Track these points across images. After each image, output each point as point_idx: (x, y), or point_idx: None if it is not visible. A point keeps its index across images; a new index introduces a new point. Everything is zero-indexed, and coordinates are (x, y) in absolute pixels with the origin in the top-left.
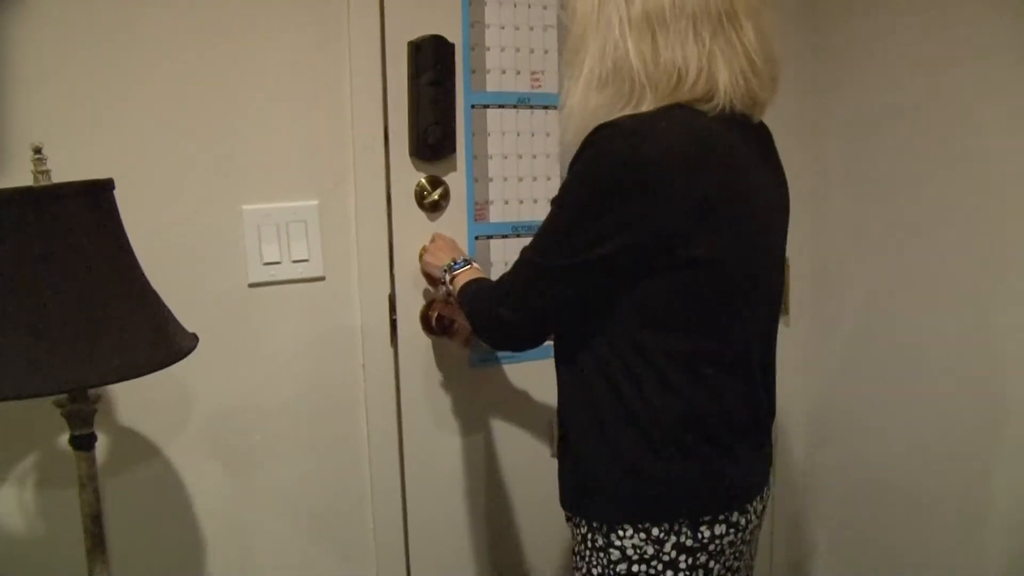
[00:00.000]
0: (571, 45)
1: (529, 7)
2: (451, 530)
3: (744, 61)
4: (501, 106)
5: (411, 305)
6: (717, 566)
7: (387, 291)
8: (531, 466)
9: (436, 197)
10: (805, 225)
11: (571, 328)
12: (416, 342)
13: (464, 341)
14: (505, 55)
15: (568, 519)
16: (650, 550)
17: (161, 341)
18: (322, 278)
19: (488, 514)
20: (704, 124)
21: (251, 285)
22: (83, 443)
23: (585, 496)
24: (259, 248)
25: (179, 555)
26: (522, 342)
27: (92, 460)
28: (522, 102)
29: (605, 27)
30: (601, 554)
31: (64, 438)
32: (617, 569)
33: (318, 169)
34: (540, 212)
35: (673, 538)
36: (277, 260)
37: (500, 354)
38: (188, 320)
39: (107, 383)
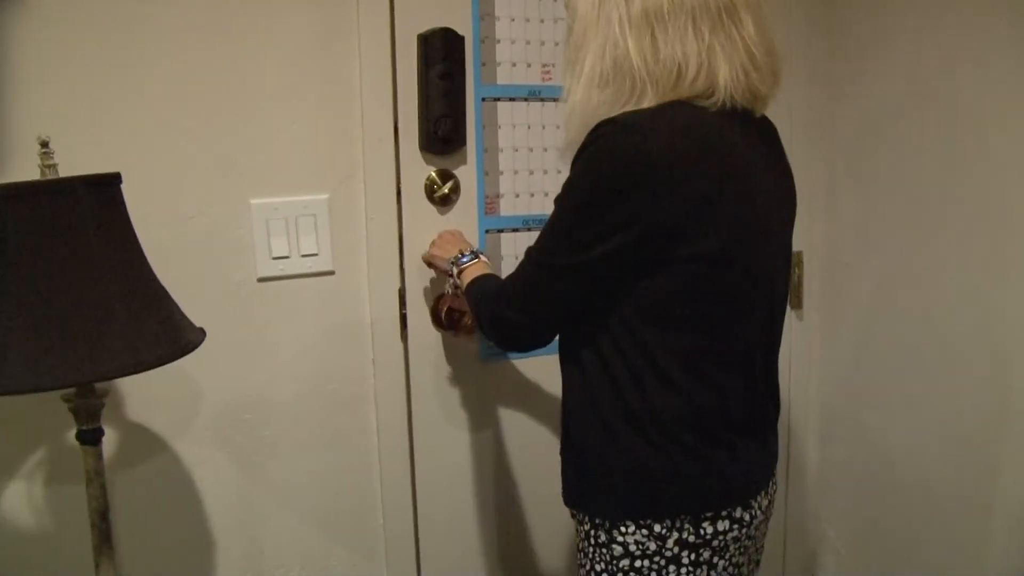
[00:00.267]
0: (572, 43)
1: None
2: (461, 524)
3: (744, 56)
4: (511, 99)
5: (421, 299)
6: (721, 562)
7: (397, 285)
8: (541, 460)
9: (446, 191)
10: (820, 220)
11: (574, 326)
12: (426, 336)
13: (473, 334)
14: (515, 48)
15: (572, 515)
16: (652, 546)
17: (168, 335)
18: (331, 272)
19: (498, 508)
20: (705, 119)
21: (260, 279)
22: (90, 438)
23: (587, 493)
24: (268, 242)
25: (186, 551)
26: (528, 343)
27: (99, 455)
28: (533, 95)
29: (605, 25)
30: (604, 550)
31: (72, 433)
32: (620, 565)
33: (327, 163)
34: (551, 205)
35: (675, 534)
36: (286, 254)
37: None
38: (196, 315)
39: (113, 377)
